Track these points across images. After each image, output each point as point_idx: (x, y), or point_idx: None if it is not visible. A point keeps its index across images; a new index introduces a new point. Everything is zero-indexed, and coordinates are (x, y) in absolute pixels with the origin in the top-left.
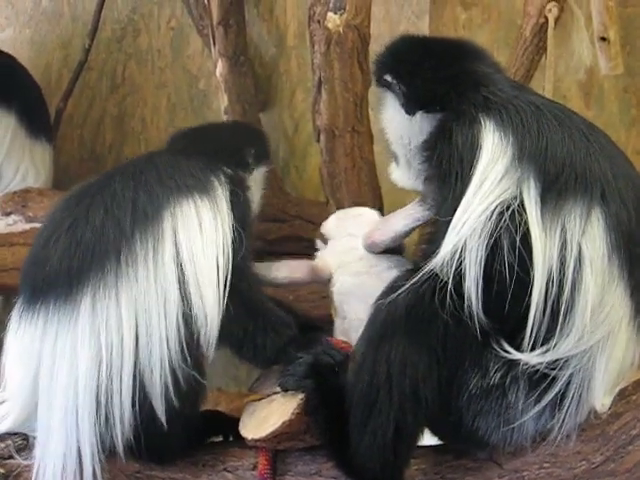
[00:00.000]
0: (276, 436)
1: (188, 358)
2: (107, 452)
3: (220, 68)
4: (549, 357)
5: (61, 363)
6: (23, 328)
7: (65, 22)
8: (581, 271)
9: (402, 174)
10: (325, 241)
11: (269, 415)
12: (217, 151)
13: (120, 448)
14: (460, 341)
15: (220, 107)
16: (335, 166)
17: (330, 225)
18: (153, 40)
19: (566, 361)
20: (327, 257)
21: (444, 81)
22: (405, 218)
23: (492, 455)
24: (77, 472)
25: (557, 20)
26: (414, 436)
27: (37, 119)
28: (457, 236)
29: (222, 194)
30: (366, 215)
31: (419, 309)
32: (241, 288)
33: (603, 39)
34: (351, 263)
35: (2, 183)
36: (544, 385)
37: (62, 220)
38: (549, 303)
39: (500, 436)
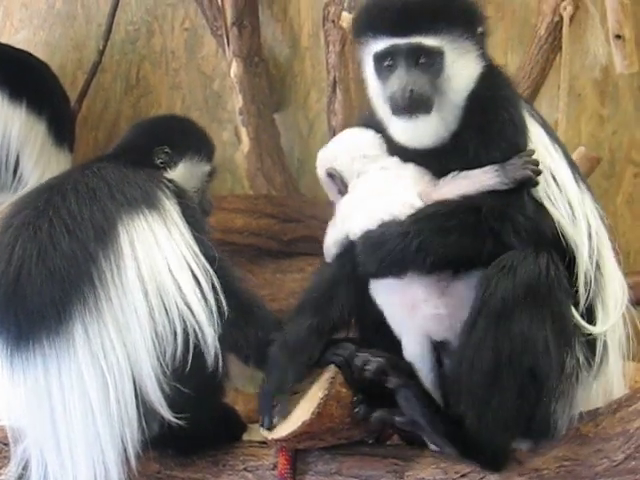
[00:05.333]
0: (296, 436)
1: (185, 366)
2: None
3: (234, 69)
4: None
5: (72, 395)
6: (21, 369)
7: (79, 24)
8: None
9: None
10: (339, 181)
11: (289, 415)
12: (129, 156)
13: (132, 458)
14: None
15: (235, 108)
16: None
17: (337, 159)
18: (167, 41)
19: None
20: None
21: None
22: (476, 183)
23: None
24: None
25: (572, 18)
26: (528, 416)
27: (64, 129)
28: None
29: (170, 207)
30: (360, 133)
31: (539, 284)
32: (232, 292)
33: (618, 37)
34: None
35: (22, 186)
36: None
37: (24, 249)
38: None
39: (565, 417)
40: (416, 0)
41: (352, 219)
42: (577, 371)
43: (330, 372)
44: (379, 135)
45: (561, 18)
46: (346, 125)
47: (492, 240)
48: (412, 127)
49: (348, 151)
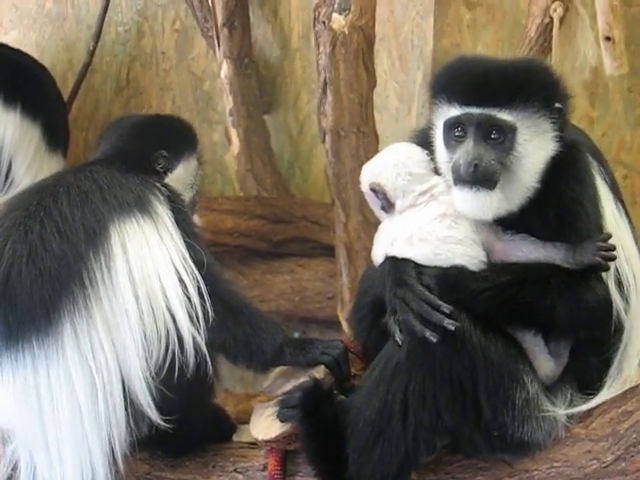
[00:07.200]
0: (286, 437)
1: (172, 370)
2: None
3: (225, 70)
4: None
5: (60, 395)
6: (10, 370)
7: (69, 25)
8: None
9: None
10: (383, 197)
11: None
12: (124, 161)
13: (120, 459)
14: (497, 362)
15: (225, 109)
16: (341, 167)
17: (382, 173)
18: (157, 42)
19: None
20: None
21: None
22: (542, 254)
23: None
24: None
25: (562, 20)
26: (419, 462)
27: (58, 134)
28: None
29: (163, 211)
30: (407, 150)
31: (445, 339)
32: (220, 295)
33: (608, 39)
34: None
35: (12, 190)
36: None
37: (14, 249)
38: None
39: (544, 432)
40: (495, 71)
41: (405, 252)
42: (539, 402)
43: (320, 373)
44: (426, 152)
45: (551, 20)
46: (336, 126)
47: (547, 313)
48: (473, 200)
49: (394, 166)
